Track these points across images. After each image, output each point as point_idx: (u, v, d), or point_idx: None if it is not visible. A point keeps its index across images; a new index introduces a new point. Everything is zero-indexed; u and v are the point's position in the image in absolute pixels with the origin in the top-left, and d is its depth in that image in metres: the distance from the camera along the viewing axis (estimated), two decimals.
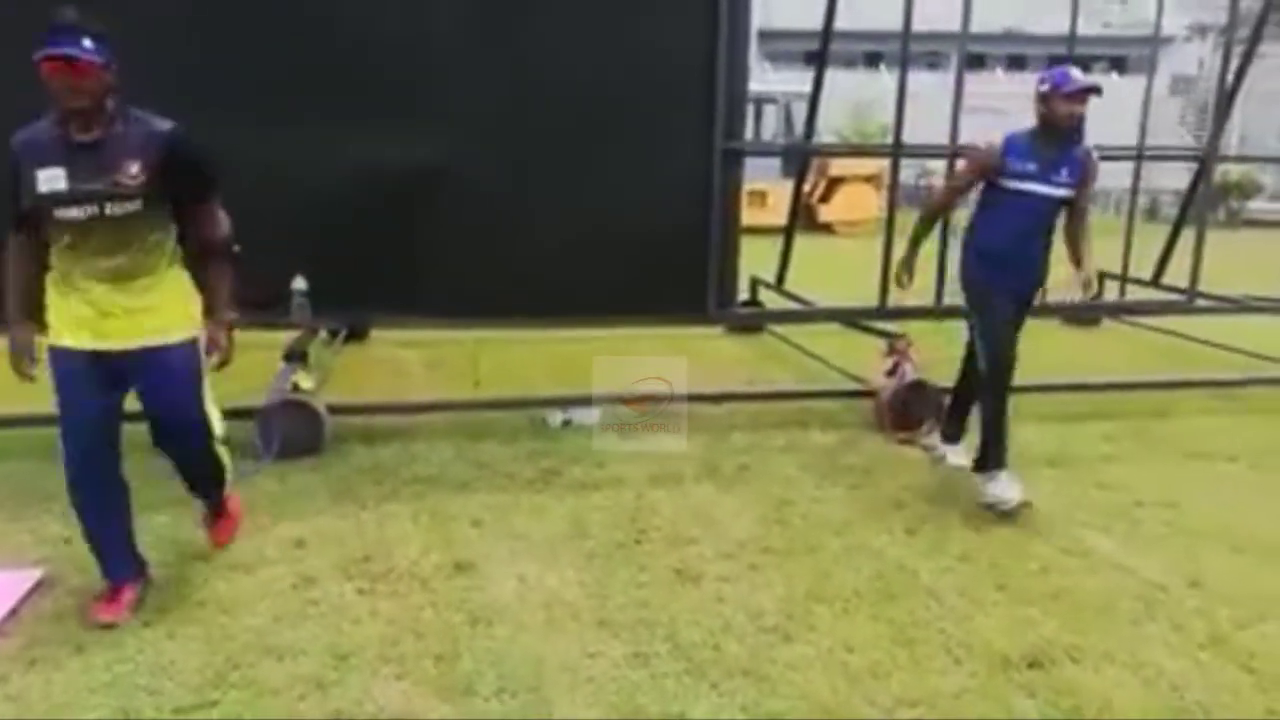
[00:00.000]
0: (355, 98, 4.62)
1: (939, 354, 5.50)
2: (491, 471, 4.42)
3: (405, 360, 6.54)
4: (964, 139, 5.59)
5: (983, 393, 4.19)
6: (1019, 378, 5.61)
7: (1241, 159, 18.85)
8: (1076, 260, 4.27)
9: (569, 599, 3.19)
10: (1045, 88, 3.95)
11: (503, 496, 4.11)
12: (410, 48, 4.66)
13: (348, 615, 3.06)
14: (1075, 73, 3.98)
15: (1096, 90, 3.94)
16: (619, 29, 4.84)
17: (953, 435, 4.60)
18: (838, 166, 16.96)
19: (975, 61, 29.07)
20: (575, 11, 4.79)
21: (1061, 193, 4.04)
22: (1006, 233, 4.09)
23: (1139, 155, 6.38)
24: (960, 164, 4.11)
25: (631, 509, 3.98)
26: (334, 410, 4.73)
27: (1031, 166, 3.98)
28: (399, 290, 4.84)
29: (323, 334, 6.18)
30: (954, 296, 5.78)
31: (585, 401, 5.12)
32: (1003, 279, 4.11)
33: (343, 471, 4.37)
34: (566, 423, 5.08)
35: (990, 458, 4.04)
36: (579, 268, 4.92)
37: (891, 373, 5.20)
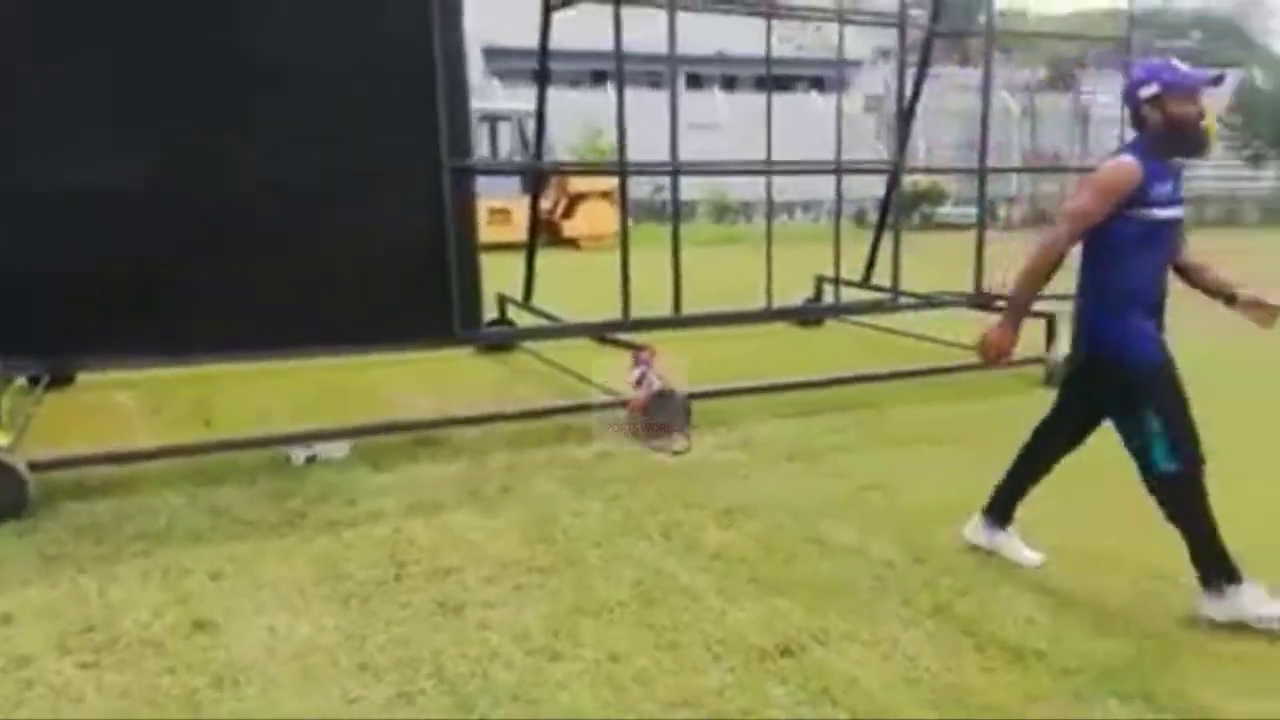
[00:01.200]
0: (45, 116, 4.17)
1: (680, 361, 5.75)
2: (230, 519, 4.10)
3: (121, 404, 5.94)
4: (684, 156, 5.85)
5: (1180, 505, 3.12)
6: (759, 378, 6.02)
7: (927, 170, 21.04)
8: (1220, 288, 3.33)
9: (325, 645, 3.03)
10: (1153, 90, 3.12)
11: (244, 545, 3.82)
12: (113, 62, 4.28)
13: (69, 694, 2.74)
14: (1178, 63, 3.20)
15: (1218, 81, 3.21)
16: (338, 49, 4.72)
17: (1005, 517, 3.67)
18: (578, 183, 17.30)
19: (693, 81, 30.67)
20: (292, 34, 4.60)
21: (1181, 212, 3.24)
22: (1158, 279, 3.22)
23: (838, 169, 6.95)
24: (1084, 195, 3.14)
25: (388, 544, 3.83)
26: (37, 466, 4.22)
27: (1169, 187, 3.14)
28: (108, 330, 4.42)
29: (20, 381, 5.50)
30: (694, 305, 6.11)
31: (332, 435, 4.89)
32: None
33: (54, 534, 3.90)
34: (311, 459, 4.81)
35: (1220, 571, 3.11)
36: (315, 294, 4.73)
37: (638, 383, 5.36)
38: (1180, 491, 3.09)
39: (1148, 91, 3.13)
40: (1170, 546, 3.23)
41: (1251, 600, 3.04)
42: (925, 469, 4.82)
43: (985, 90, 6.85)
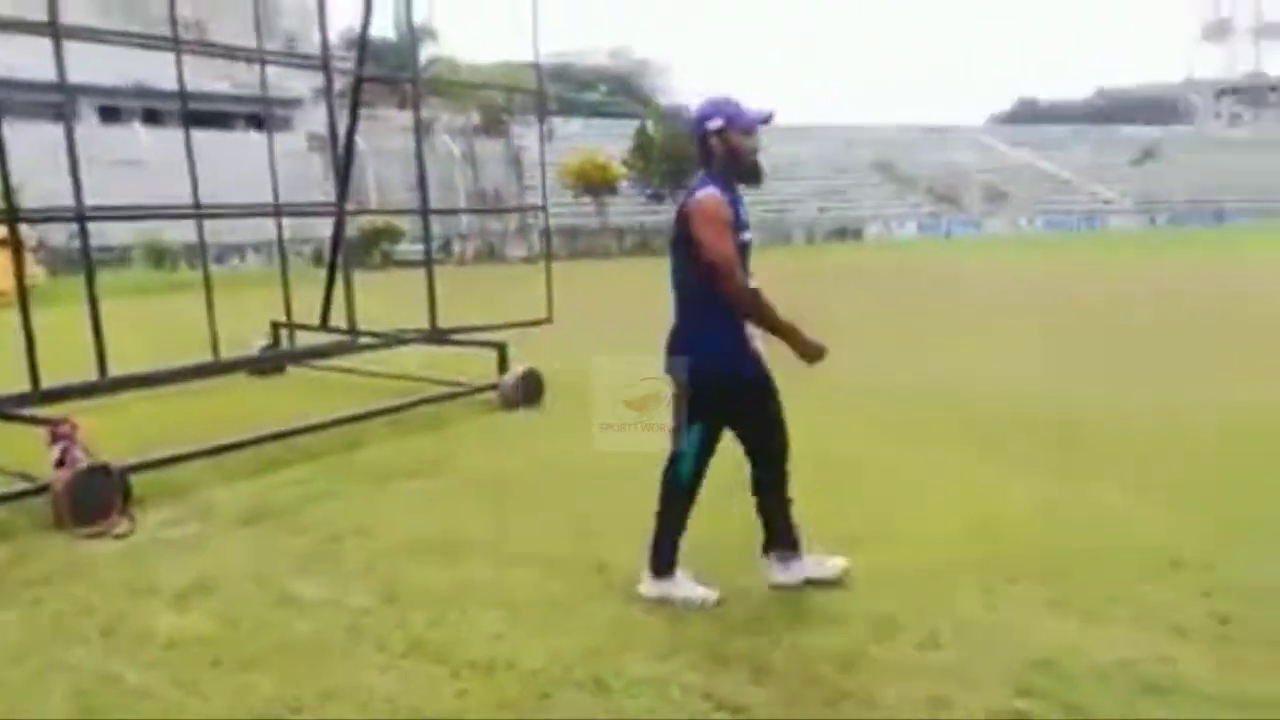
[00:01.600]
0: None
1: (111, 430, 5.13)
2: None
3: None
4: (99, 199, 5.25)
5: (670, 507, 3.53)
6: (212, 439, 5.57)
7: (374, 212, 21.31)
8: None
9: None
10: (718, 124, 3.33)
11: None
12: None
13: None
14: (739, 101, 3.41)
15: (769, 119, 3.37)
16: None
17: (791, 546, 3.63)
18: None
19: (110, 114, 27.47)
20: None
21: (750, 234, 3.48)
22: None
23: (277, 212, 6.74)
24: (719, 237, 3.20)
25: None
26: None
27: (742, 212, 3.37)
28: None
29: None
30: (133, 364, 5.46)
31: None
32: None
33: None
34: None
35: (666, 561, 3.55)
36: None
37: (60, 463, 4.63)
38: (678, 499, 3.51)
39: (714, 124, 3.32)
40: (609, 542, 3.65)
41: (679, 586, 3.53)
42: (397, 506, 4.86)
43: (417, 133, 7.15)
